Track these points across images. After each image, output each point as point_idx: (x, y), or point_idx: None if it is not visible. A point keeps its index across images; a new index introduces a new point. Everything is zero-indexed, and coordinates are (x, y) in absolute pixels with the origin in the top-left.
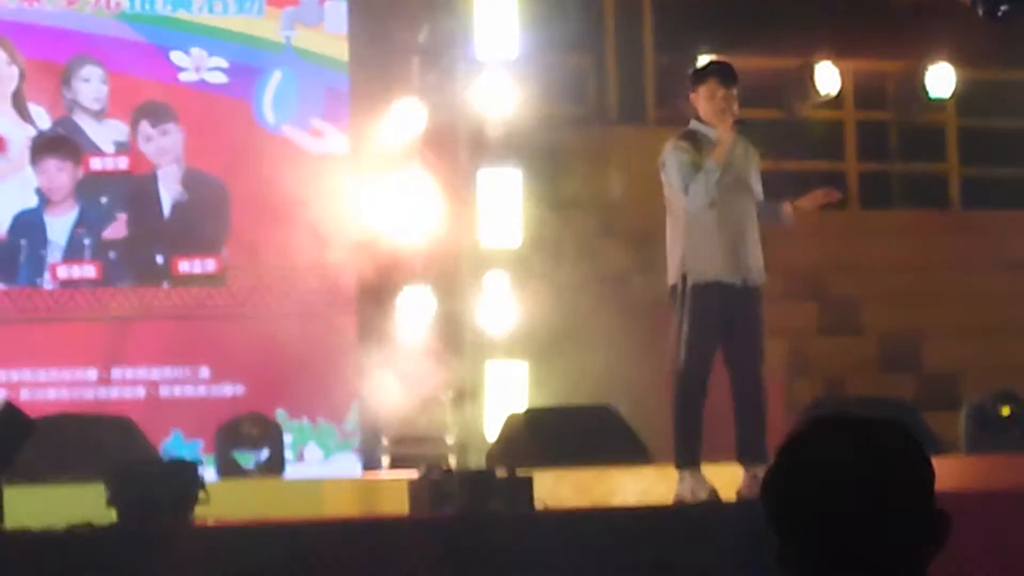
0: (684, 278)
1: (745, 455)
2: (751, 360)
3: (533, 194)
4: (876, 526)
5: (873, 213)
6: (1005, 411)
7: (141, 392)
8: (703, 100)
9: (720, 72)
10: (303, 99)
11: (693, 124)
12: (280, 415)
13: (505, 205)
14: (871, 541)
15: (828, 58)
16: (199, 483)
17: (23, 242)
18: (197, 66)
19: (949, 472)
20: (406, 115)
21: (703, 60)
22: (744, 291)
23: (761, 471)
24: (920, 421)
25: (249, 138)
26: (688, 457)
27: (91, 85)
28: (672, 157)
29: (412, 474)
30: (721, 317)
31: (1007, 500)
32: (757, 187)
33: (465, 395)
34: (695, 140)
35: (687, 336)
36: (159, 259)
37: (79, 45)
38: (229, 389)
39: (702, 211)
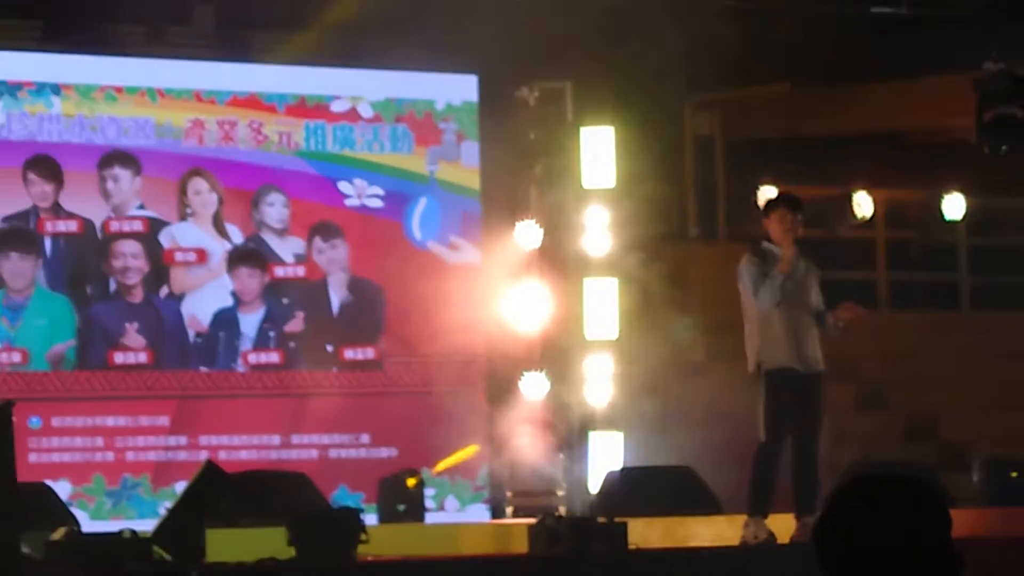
0: (759, 365)
1: (800, 507)
2: (811, 433)
3: (627, 297)
4: (907, 564)
5: (899, 313)
6: (1013, 474)
7: (315, 454)
8: (774, 223)
9: (789, 201)
10: (444, 220)
11: (764, 244)
12: (425, 472)
13: (604, 306)
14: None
15: (863, 188)
16: (361, 527)
17: (221, 334)
18: (359, 193)
19: (961, 522)
20: (526, 234)
21: (764, 190)
22: (807, 377)
23: (811, 522)
24: (937, 481)
25: (401, 251)
26: (759, 509)
27: (275, 208)
28: (746, 269)
29: (531, 520)
30: (790, 397)
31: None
32: (816, 296)
33: (573, 457)
34: (764, 256)
35: (765, 412)
36: (329, 348)
37: (266, 176)
38: (385, 452)
39: (770, 311)
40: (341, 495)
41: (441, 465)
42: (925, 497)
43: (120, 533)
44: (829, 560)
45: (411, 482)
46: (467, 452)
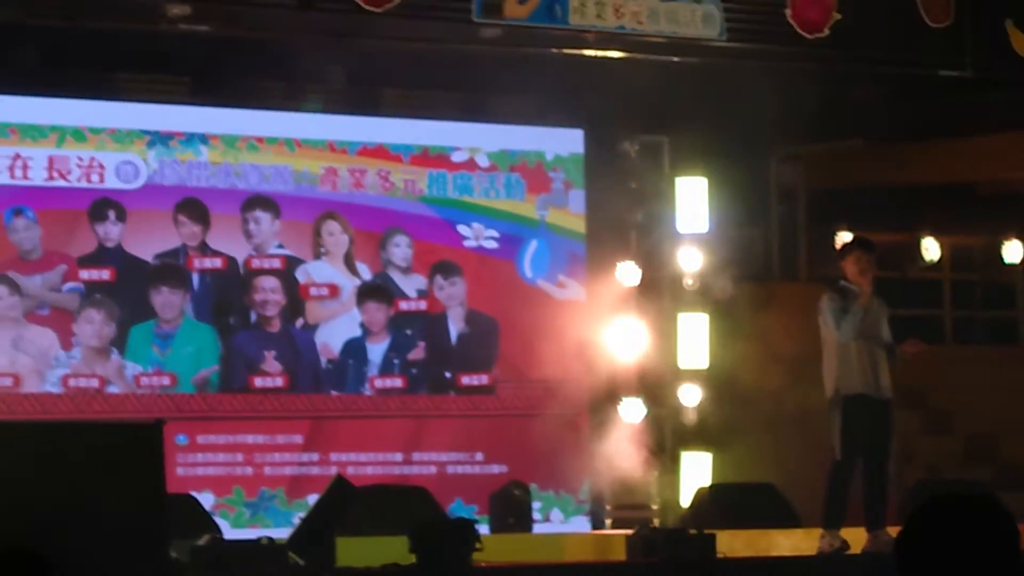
0: (837, 391)
1: (870, 521)
2: (882, 453)
3: (716, 330)
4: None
5: (962, 347)
6: None
7: (433, 470)
8: (851, 264)
9: (864, 244)
10: (552, 260)
11: (842, 283)
12: (533, 488)
13: (696, 338)
14: None
15: (931, 234)
16: (476, 536)
17: (350, 361)
18: (477, 236)
19: None
20: (626, 273)
21: (842, 235)
22: (879, 402)
23: (882, 534)
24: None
25: (513, 288)
26: (833, 522)
27: (400, 249)
28: (827, 305)
29: (628, 531)
30: (864, 420)
31: None
32: (886, 330)
33: (666, 474)
34: (843, 293)
35: (841, 434)
36: (447, 375)
37: (392, 220)
38: (496, 468)
39: (849, 342)
40: (457, 507)
41: None
42: (1000, 514)
43: (258, 540)
44: (910, 571)
45: (520, 496)
46: None
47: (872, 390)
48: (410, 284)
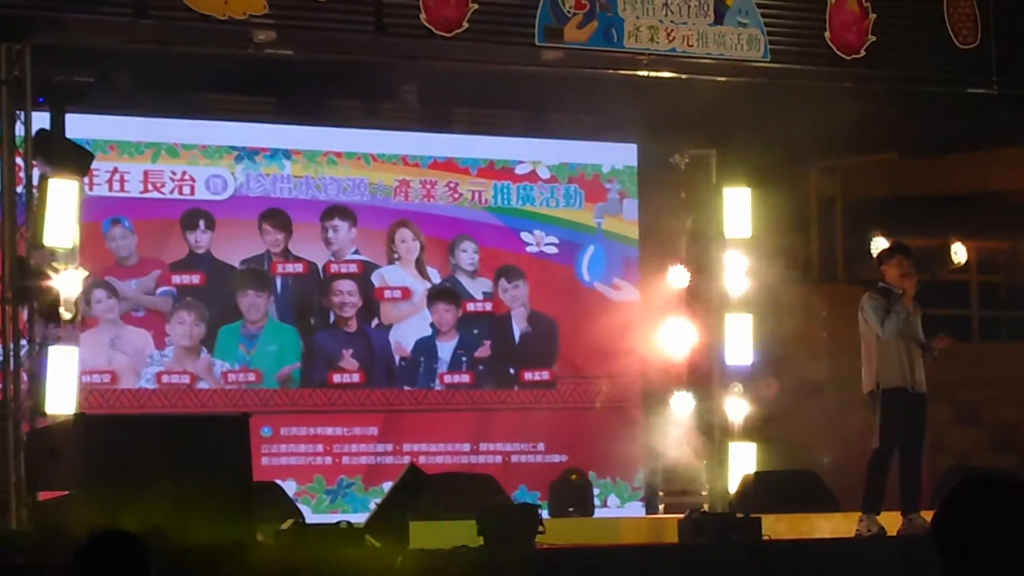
0: (878, 385)
1: (905, 506)
2: (917, 443)
3: (760, 329)
4: (1019, 550)
5: (988, 344)
6: None
7: (499, 459)
8: (893, 268)
9: (904, 250)
10: (608, 265)
11: (881, 284)
12: (592, 475)
13: (741, 337)
14: (1014, 561)
15: (959, 239)
16: (538, 520)
17: (422, 359)
18: (538, 242)
19: None
20: (677, 276)
21: (876, 241)
22: (915, 396)
23: (916, 518)
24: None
25: (572, 290)
26: (872, 507)
27: (468, 255)
28: (869, 305)
29: (680, 516)
30: (901, 412)
31: None
32: (920, 329)
33: (715, 463)
34: (883, 294)
35: (882, 424)
36: (511, 371)
37: (460, 227)
38: (557, 458)
39: (891, 339)
40: (521, 493)
41: None
42: None
43: (337, 524)
44: (947, 549)
45: (579, 483)
46: None
47: (909, 384)
48: (476, 287)
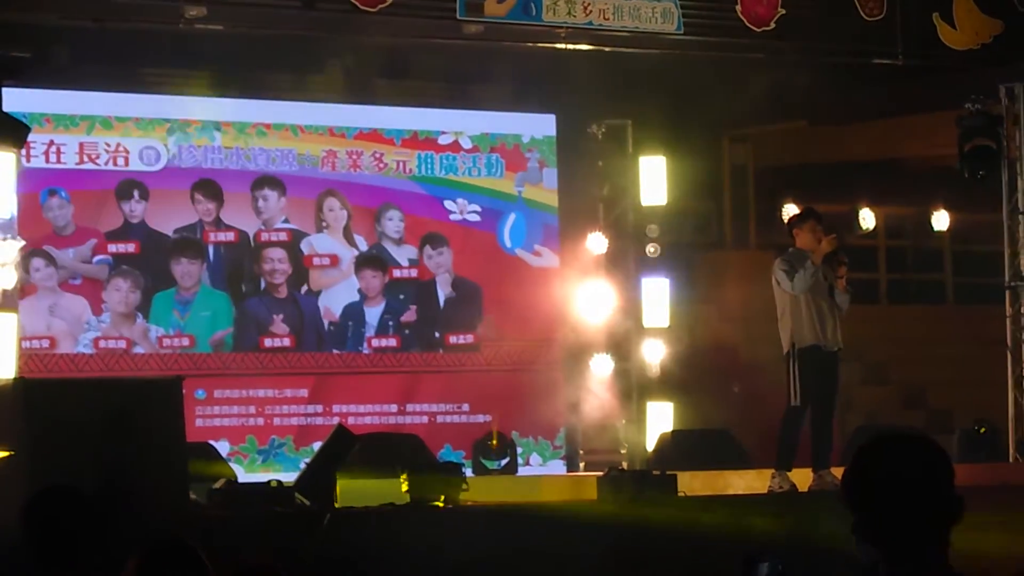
0: (793, 345)
1: (816, 462)
2: (829, 401)
3: (676, 293)
4: (922, 504)
5: (896, 306)
6: (982, 430)
7: (425, 419)
8: (807, 232)
9: (816, 215)
10: (529, 232)
11: (791, 249)
12: (515, 435)
13: (658, 300)
14: (918, 515)
15: (867, 205)
16: (463, 478)
17: (350, 323)
18: (461, 210)
19: None
20: (595, 242)
21: (788, 207)
22: (828, 354)
23: (826, 475)
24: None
25: (495, 257)
26: (784, 464)
27: (393, 222)
28: (779, 267)
29: (599, 473)
30: (815, 370)
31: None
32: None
33: (632, 422)
34: (795, 258)
35: (799, 383)
36: (436, 334)
37: (386, 196)
38: (481, 418)
39: (800, 300)
40: (446, 452)
41: None
42: (932, 447)
43: (269, 483)
44: (856, 504)
45: (501, 443)
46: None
47: (822, 342)
48: (402, 254)
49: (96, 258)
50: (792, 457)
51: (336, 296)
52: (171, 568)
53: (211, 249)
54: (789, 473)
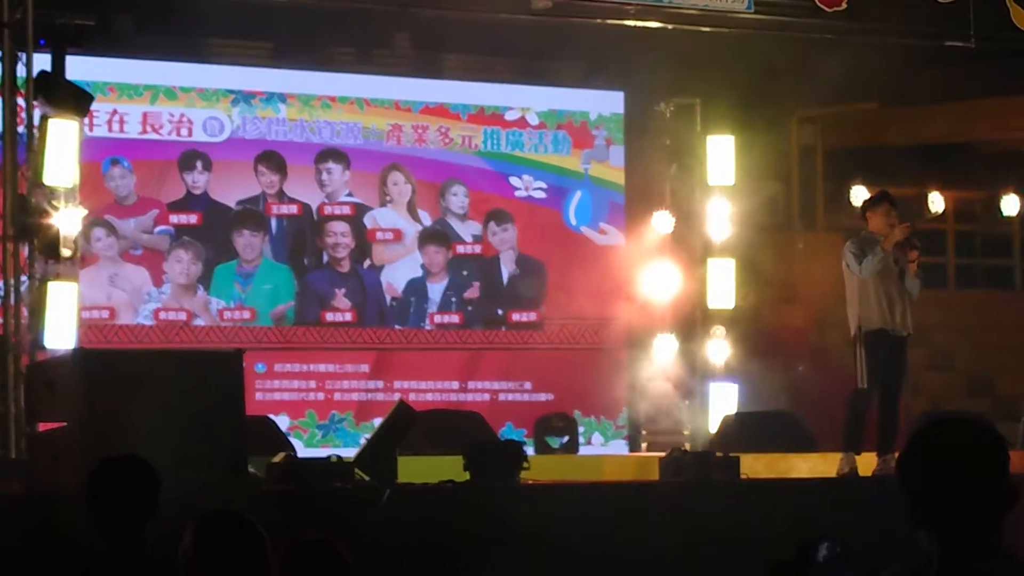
0: (859, 328)
1: (881, 447)
2: (896, 386)
3: (741, 274)
4: (977, 489)
5: (963, 292)
6: None
7: (486, 397)
8: (880, 216)
9: (890, 199)
10: (595, 209)
11: (863, 232)
12: (576, 414)
13: (723, 281)
14: (972, 500)
15: (936, 188)
16: (523, 456)
17: (412, 299)
18: (526, 186)
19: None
20: (661, 221)
21: (856, 189)
22: (896, 338)
23: (891, 459)
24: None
25: (559, 234)
26: (853, 446)
27: (458, 198)
28: (849, 249)
29: (661, 454)
30: (882, 354)
31: None
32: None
33: (696, 403)
34: (867, 241)
35: (865, 367)
36: (499, 312)
37: (451, 172)
38: (543, 396)
39: (868, 284)
40: (507, 430)
41: None
42: (989, 433)
43: (328, 458)
44: (911, 487)
45: (563, 421)
46: None
47: (889, 326)
48: (466, 230)
49: (158, 229)
50: (860, 439)
51: (399, 271)
52: (229, 541)
53: (274, 222)
54: (857, 456)
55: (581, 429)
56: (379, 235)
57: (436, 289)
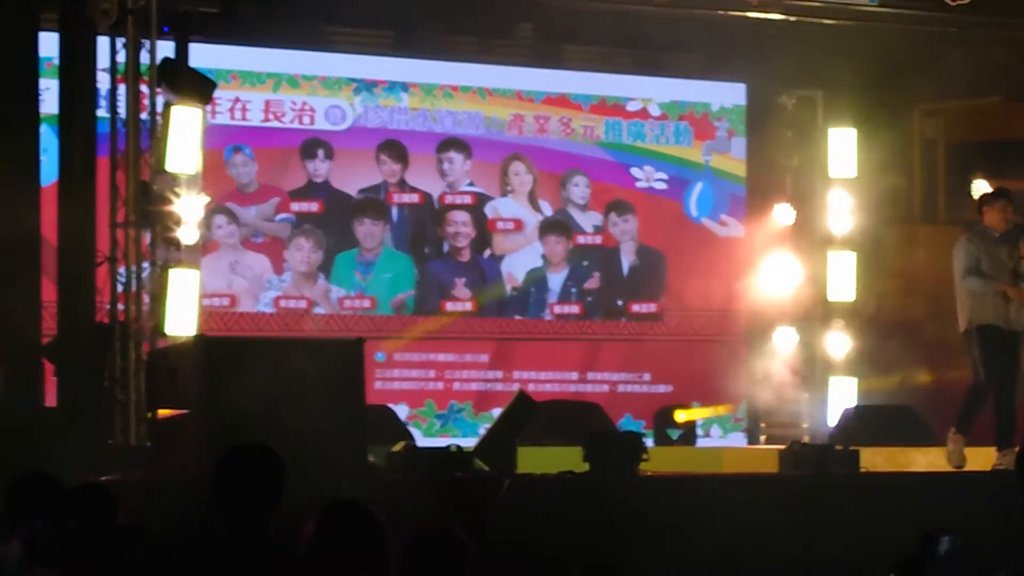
0: (970, 322)
1: (1000, 441)
2: (1011, 381)
3: (862, 266)
4: None
5: None
6: None
7: (605, 388)
8: (998, 211)
9: (1007, 195)
10: (716, 201)
11: (980, 227)
12: (695, 406)
13: (844, 274)
14: None
15: None
16: (643, 448)
17: (532, 289)
18: (647, 177)
19: None
20: (782, 213)
21: (977, 183)
22: (1009, 333)
23: (1009, 454)
24: None
25: (680, 225)
26: (963, 428)
27: (579, 188)
28: (964, 248)
29: (780, 447)
30: (996, 348)
31: None
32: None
33: (815, 396)
34: (981, 236)
35: (980, 361)
36: (619, 303)
37: (572, 162)
38: (662, 388)
39: (985, 274)
40: (626, 422)
41: (691, 415)
42: None
43: (448, 448)
44: None
45: (679, 418)
46: (719, 410)
47: (1002, 321)
48: (587, 220)
49: (279, 216)
50: (970, 424)
51: (519, 261)
52: (350, 529)
53: (395, 210)
54: (966, 438)
55: (699, 421)
56: (500, 225)
57: (556, 279)
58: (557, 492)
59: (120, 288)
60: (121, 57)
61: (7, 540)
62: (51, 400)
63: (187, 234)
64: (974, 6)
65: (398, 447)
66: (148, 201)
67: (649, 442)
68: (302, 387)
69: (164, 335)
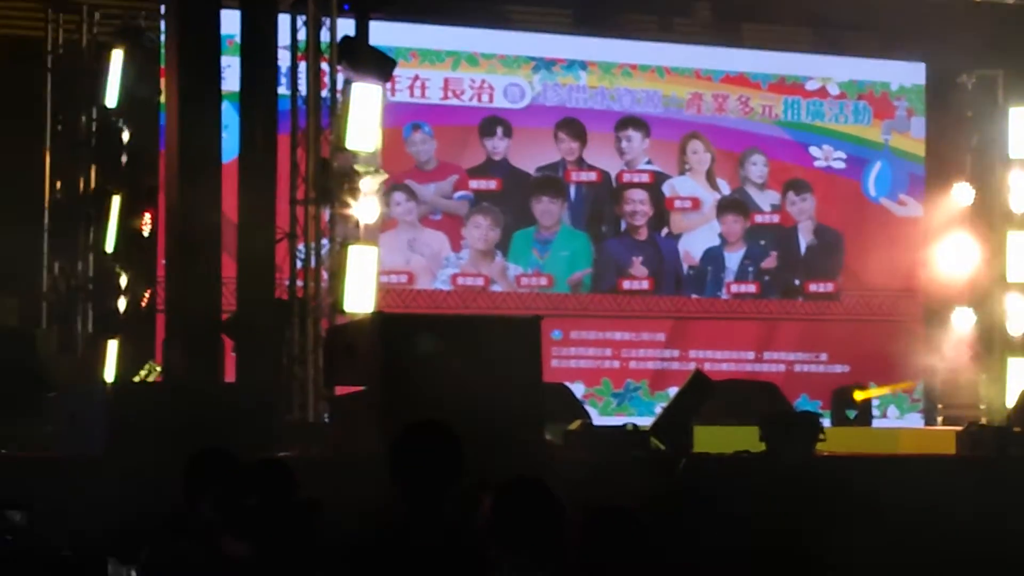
0: None
1: None
2: None
3: None
4: None
5: None
6: None
7: (782, 367)
8: None
9: None
10: (894, 180)
11: None
12: (871, 386)
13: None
14: None
15: None
16: (819, 428)
17: (709, 268)
18: (826, 156)
19: None
20: (961, 193)
21: None
22: None
23: None
24: None
25: (858, 205)
26: None
27: (757, 167)
28: None
29: (957, 428)
30: None
31: None
32: None
33: (993, 377)
34: None
35: None
36: (796, 282)
37: (750, 141)
38: (839, 368)
39: None
40: (803, 402)
41: (869, 393)
42: None
43: (624, 426)
44: None
45: (858, 396)
46: (897, 388)
47: None
48: (765, 199)
49: (457, 194)
50: None
51: (696, 240)
52: (527, 507)
53: (572, 189)
54: None
55: (876, 402)
56: (677, 203)
57: (733, 258)
58: (734, 471)
59: (299, 265)
60: (302, 35)
61: (190, 513)
62: (230, 376)
63: (366, 211)
64: None
65: (575, 425)
66: (327, 178)
67: (826, 422)
68: (479, 365)
69: (342, 312)
